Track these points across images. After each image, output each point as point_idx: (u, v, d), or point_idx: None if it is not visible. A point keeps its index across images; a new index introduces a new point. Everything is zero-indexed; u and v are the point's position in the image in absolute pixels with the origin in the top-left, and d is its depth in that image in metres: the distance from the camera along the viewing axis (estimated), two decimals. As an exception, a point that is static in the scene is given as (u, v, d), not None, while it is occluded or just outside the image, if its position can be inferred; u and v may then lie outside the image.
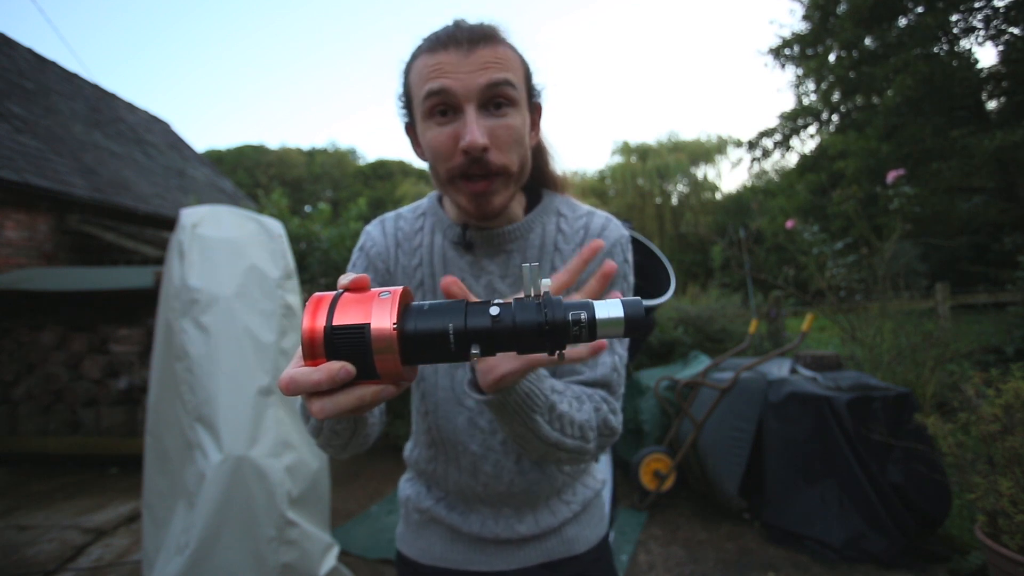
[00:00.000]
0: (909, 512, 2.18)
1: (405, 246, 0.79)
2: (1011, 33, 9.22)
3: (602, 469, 0.93)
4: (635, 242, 1.05)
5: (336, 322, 0.37)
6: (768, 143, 14.81)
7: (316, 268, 4.16)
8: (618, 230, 0.76)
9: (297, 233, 4.23)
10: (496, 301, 0.41)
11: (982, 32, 9.60)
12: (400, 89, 0.71)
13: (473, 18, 0.67)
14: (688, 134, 34.35)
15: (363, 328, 0.37)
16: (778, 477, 2.47)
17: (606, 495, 0.93)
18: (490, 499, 0.77)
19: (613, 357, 0.72)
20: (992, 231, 9.00)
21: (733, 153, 23.78)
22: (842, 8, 11.28)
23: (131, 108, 9.13)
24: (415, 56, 0.66)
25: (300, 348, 0.38)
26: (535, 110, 0.73)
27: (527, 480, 0.76)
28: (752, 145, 15.19)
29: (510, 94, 0.64)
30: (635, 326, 0.39)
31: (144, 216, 6.03)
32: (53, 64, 7.65)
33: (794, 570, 2.18)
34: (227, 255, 1.89)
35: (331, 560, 1.89)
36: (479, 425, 0.75)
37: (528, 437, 0.59)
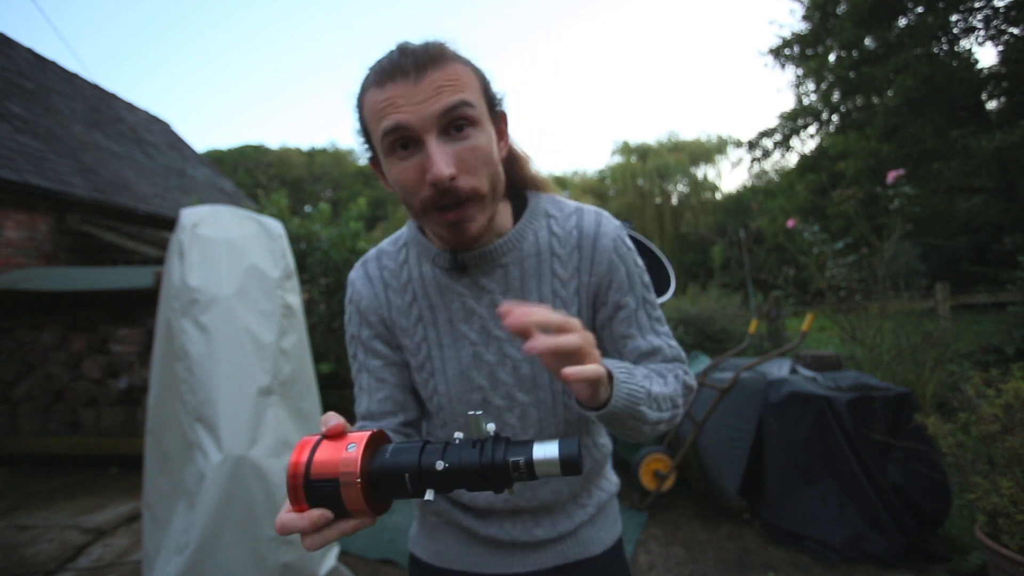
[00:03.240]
0: (909, 512, 2.18)
1: (394, 284, 0.77)
2: (1011, 33, 9.21)
3: (613, 471, 0.94)
4: (635, 242, 1.05)
5: (313, 475, 0.45)
6: (768, 143, 14.78)
7: (316, 268, 4.16)
8: (610, 223, 0.75)
9: (297, 233, 4.24)
10: (456, 439, 0.47)
11: (982, 32, 9.59)
12: (357, 125, 0.67)
13: (417, 39, 0.63)
14: (688, 134, 34.36)
15: (333, 482, 0.44)
16: (778, 477, 2.46)
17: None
18: (509, 510, 0.78)
19: (661, 337, 0.75)
20: (992, 231, 9.00)
21: (733, 153, 23.77)
22: (842, 8, 11.27)
23: (131, 108, 9.13)
24: (364, 89, 0.63)
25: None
26: (500, 119, 0.70)
27: (548, 491, 0.76)
28: (752, 145, 15.16)
29: (469, 114, 0.60)
30: (570, 466, 0.44)
31: (144, 216, 6.03)
32: (53, 64, 7.64)
33: (794, 570, 2.18)
34: (227, 255, 1.89)
35: (331, 560, 1.89)
36: None
37: (637, 427, 0.63)
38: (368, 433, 0.47)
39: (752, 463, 2.53)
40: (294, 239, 4.07)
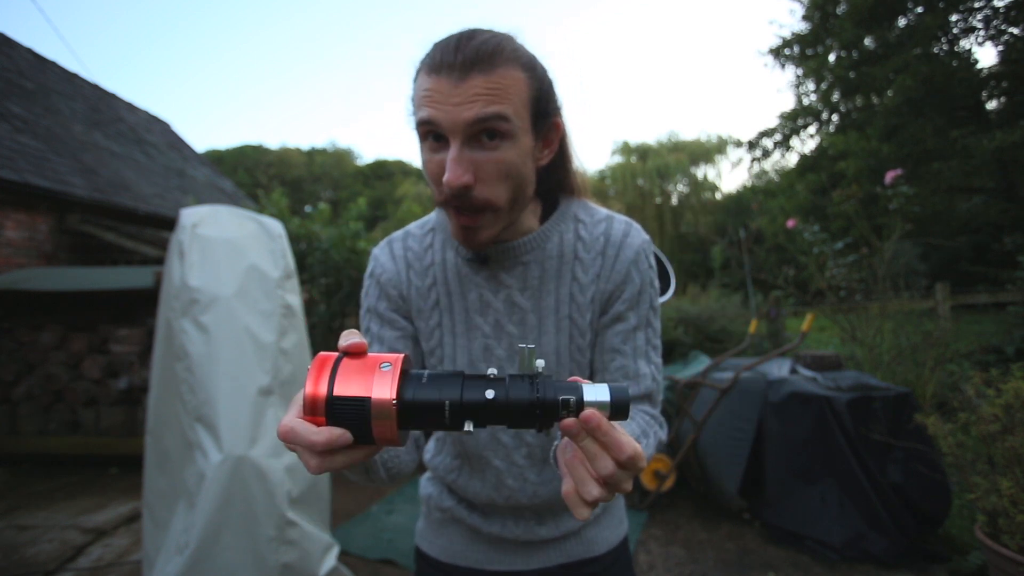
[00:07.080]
0: (909, 512, 2.18)
1: (416, 266, 0.77)
2: (1011, 33, 9.21)
3: None
4: None
5: (337, 392, 0.39)
6: (768, 143, 14.78)
7: (316, 268, 4.16)
8: (639, 235, 0.74)
9: (297, 233, 4.24)
10: (492, 375, 0.43)
11: (982, 32, 9.59)
12: (411, 93, 0.66)
13: (482, 31, 0.61)
14: (688, 134, 34.35)
15: (363, 402, 0.39)
16: (778, 477, 2.47)
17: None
18: (512, 507, 0.78)
19: (650, 367, 0.73)
20: (992, 231, 8.99)
21: (733, 153, 23.77)
22: (842, 8, 11.27)
23: (131, 108, 9.12)
24: (419, 68, 0.63)
25: (301, 400, 0.40)
26: (550, 128, 0.67)
27: (550, 490, 0.77)
28: (752, 145, 15.16)
29: (502, 128, 0.59)
30: (620, 410, 0.41)
31: (144, 216, 6.03)
32: (53, 64, 7.64)
33: (794, 570, 2.18)
34: (227, 255, 1.89)
35: (331, 560, 1.89)
36: (501, 441, 0.75)
37: None
38: (403, 355, 0.42)
39: (752, 463, 2.53)
40: (294, 239, 4.07)
